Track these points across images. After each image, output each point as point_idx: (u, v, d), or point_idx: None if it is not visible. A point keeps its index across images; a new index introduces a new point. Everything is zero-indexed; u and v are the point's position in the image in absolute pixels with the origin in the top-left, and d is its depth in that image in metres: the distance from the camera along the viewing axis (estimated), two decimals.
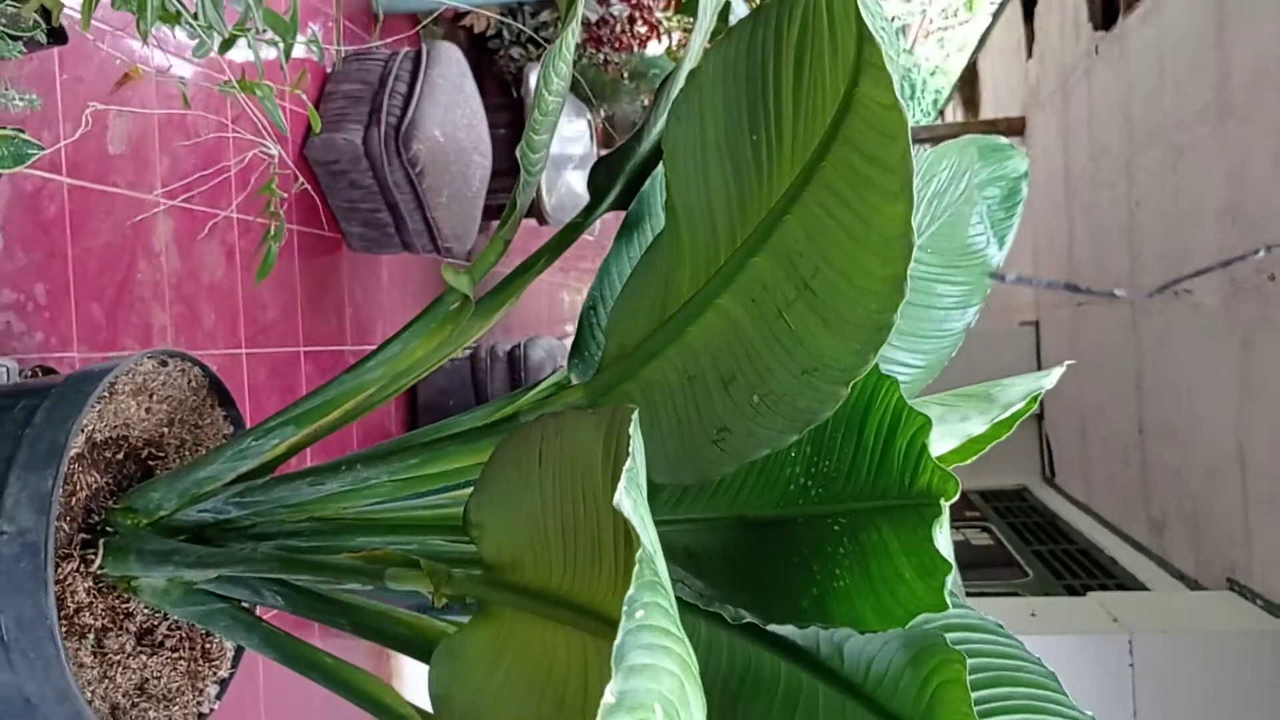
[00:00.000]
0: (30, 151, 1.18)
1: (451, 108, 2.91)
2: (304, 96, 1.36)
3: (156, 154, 2.17)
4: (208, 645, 1.23)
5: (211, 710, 1.20)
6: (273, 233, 1.26)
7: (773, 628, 0.75)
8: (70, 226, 1.90)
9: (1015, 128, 6.33)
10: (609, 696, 0.43)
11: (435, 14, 3.29)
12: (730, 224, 0.78)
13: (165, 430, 1.20)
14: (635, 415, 0.61)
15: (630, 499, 0.53)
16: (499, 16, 3.51)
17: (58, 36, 1.59)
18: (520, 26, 3.48)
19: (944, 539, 0.68)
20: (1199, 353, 3.66)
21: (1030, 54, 6.20)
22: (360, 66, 2.98)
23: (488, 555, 0.83)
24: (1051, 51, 5.73)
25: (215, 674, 1.22)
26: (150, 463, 1.19)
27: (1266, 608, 3.13)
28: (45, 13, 1.50)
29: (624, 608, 0.46)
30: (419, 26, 3.24)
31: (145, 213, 2.11)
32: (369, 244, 3.01)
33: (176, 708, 1.15)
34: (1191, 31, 3.60)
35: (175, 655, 1.18)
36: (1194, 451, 3.74)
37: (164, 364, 1.18)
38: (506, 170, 3.74)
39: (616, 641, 0.45)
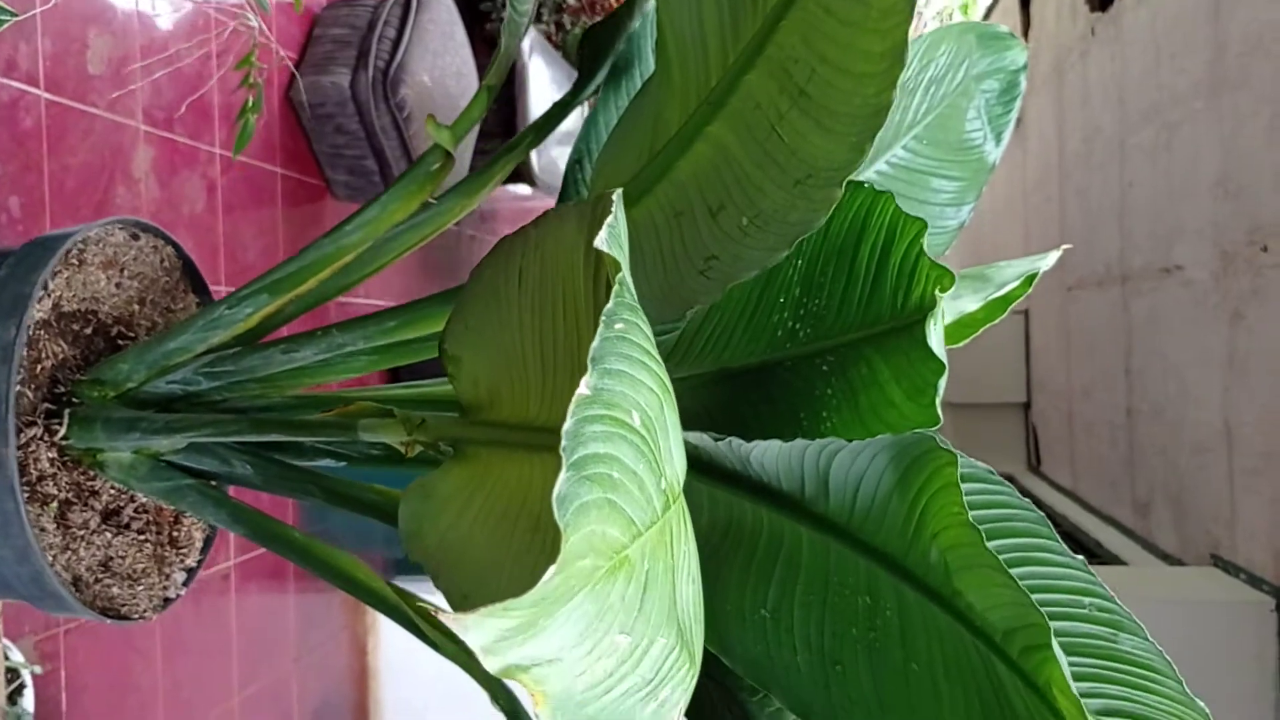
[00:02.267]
0: (3, 18, 1.14)
1: (441, 54, 2.88)
2: None
3: (138, 76, 2.13)
4: (175, 533, 1.20)
5: (178, 596, 1.17)
6: (250, 104, 1.22)
7: (756, 451, 0.72)
8: (47, 141, 1.86)
9: None
10: (583, 389, 0.40)
11: None
12: (722, 47, 0.75)
13: (136, 309, 1.16)
14: (619, 194, 0.58)
15: (612, 251, 0.50)
16: None
17: None
18: None
19: (937, 336, 0.66)
20: (1188, 330, 3.65)
21: (1026, 40, 6.19)
22: (349, 11, 2.94)
23: (464, 393, 0.80)
24: (1048, 37, 5.72)
25: (182, 561, 1.19)
26: (120, 341, 1.15)
27: (1249, 580, 3.12)
28: None
29: (602, 320, 0.43)
30: None
31: (123, 130, 2.07)
32: (354, 192, 2.97)
33: (141, 588, 1.12)
34: (1187, 5, 3.59)
35: (141, 538, 1.14)
36: (1181, 430, 3.73)
37: (136, 237, 1.15)
38: (495, 132, 3.71)
39: (593, 345, 0.42)
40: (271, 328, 1.10)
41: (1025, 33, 6.20)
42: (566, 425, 0.39)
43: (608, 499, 0.41)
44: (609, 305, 0.44)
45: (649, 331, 0.49)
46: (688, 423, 0.91)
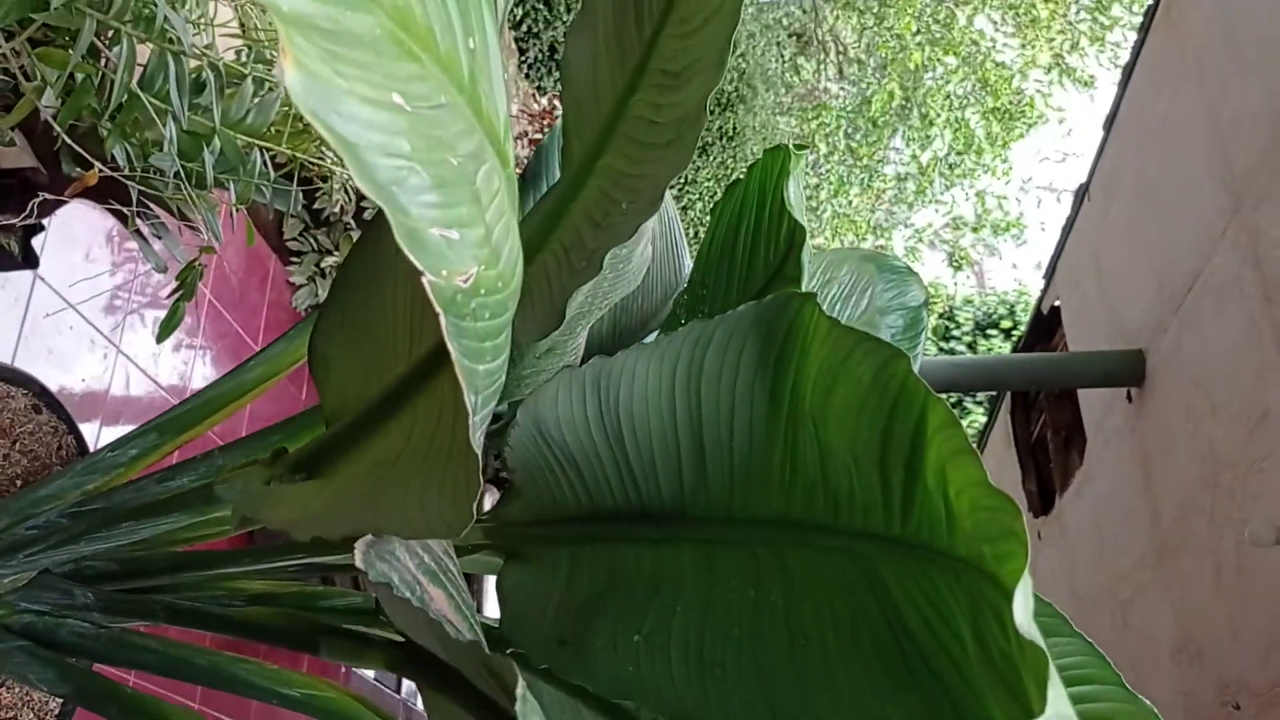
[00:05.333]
0: None
1: None
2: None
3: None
4: None
5: None
6: (184, 289, 1.23)
7: (624, 380, 0.66)
8: None
9: None
10: None
11: None
12: (611, 80, 0.81)
13: (17, 488, 1.11)
14: None
15: None
16: None
17: (29, 259, 1.68)
18: None
19: (795, 189, 0.63)
20: None
21: None
22: None
23: (331, 402, 0.75)
24: None
25: None
26: None
27: None
28: (28, 230, 1.62)
29: None
30: None
31: None
32: None
33: None
34: (1121, 486, 3.77)
35: None
36: None
37: (38, 410, 1.13)
38: None
39: None
40: None
41: None
42: None
43: None
44: None
45: None
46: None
